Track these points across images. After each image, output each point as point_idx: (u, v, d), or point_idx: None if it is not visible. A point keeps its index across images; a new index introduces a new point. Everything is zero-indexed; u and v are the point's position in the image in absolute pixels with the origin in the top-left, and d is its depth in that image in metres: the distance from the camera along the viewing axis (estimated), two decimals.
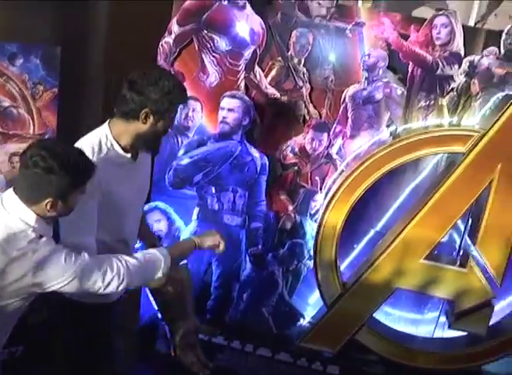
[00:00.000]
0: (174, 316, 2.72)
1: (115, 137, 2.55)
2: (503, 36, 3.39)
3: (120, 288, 2.37)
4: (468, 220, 3.53)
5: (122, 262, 2.38)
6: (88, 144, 2.51)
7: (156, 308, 2.90)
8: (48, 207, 2.21)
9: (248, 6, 3.49)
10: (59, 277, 2.24)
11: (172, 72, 3.59)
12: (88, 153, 2.40)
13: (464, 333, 3.65)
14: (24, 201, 2.21)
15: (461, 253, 3.58)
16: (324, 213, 3.53)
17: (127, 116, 2.51)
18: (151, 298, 2.88)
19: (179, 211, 3.78)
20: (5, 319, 2.38)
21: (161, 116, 2.52)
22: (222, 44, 3.55)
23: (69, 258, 2.25)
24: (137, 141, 2.55)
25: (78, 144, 2.50)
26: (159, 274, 2.45)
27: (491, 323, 3.55)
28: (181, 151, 3.69)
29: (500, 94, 3.41)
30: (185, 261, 2.85)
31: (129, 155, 2.58)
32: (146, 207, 3.70)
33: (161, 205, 3.76)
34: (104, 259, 2.37)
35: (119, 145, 2.55)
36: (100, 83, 3.76)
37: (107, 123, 2.59)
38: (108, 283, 2.34)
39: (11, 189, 2.26)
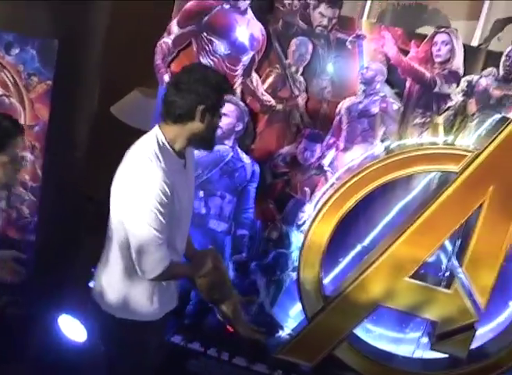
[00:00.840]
0: (222, 296, 2.75)
1: (170, 142, 2.49)
2: (503, 57, 3.37)
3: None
4: (456, 241, 3.48)
5: None
6: (149, 149, 2.45)
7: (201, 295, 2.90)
8: None
9: (249, 11, 3.47)
10: None
11: (169, 73, 3.59)
12: (151, 159, 2.40)
13: (445, 356, 3.57)
14: None
15: (447, 274, 3.52)
16: (311, 225, 3.48)
17: (182, 119, 2.45)
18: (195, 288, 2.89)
19: None
20: None
21: (214, 110, 2.48)
22: (221, 47, 3.52)
23: None
24: (194, 141, 2.52)
25: (133, 152, 2.50)
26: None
27: (473, 347, 3.48)
28: None
29: (497, 116, 3.38)
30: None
31: (183, 161, 2.57)
32: None
33: None
34: None
35: (174, 151, 2.51)
36: (96, 79, 3.74)
37: (157, 128, 2.52)
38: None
39: None
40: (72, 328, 3.36)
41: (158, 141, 2.47)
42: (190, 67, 2.51)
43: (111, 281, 2.66)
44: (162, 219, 2.39)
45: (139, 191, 2.38)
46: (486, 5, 3.79)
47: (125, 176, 2.46)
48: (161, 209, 2.38)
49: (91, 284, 3.37)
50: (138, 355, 2.74)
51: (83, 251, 3.84)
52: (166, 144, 2.47)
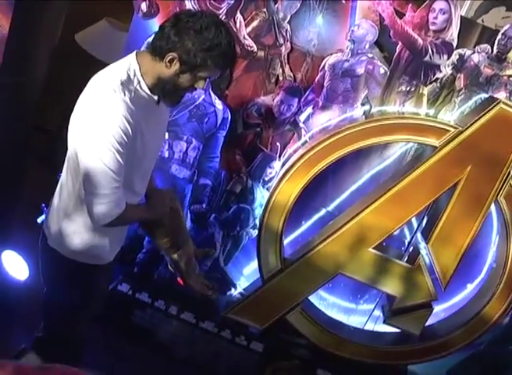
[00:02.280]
0: (176, 243, 2.54)
1: (143, 74, 2.22)
2: (499, 35, 3.27)
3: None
4: (423, 217, 3.41)
5: None
6: (115, 78, 2.18)
7: (153, 240, 2.69)
8: None
9: None
10: None
11: (147, 1, 3.28)
12: (115, 89, 2.14)
13: (395, 331, 3.54)
14: None
15: (410, 250, 3.46)
16: (278, 183, 3.28)
17: (154, 52, 2.19)
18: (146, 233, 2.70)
19: None
20: None
21: (188, 69, 2.19)
22: None
23: None
24: (157, 86, 2.24)
25: (101, 77, 2.23)
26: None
27: (426, 324, 3.45)
28: None
29: (483, 95, 3.29)
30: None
31: (155, 97, 2.28)
32: None
33: None
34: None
35: (146, 84, 2.23)
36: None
37: (134, 55, 2.26)
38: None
39: None
40: (15, 265, 3.09)
41: (129, 70, 2.22)
42: (204, 15, 2.18)
43: (62, 216, 2.39)
44: (120, 160, 2.15)
45: (97, 126, 2.13)
46: None
47: (84, 107, 2.19)
48: (120, 149, 2.13)
49: (39, 220, 3.12)
50: (80, 298, 2.52)
51: (33, 185, 3.53)
52: (139, 74, 2.22)
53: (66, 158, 2.34)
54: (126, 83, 2.17)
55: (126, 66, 2.23)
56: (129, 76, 2.20)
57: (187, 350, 3.58)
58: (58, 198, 2.45)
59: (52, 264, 2.50)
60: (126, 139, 2.12)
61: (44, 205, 3.15)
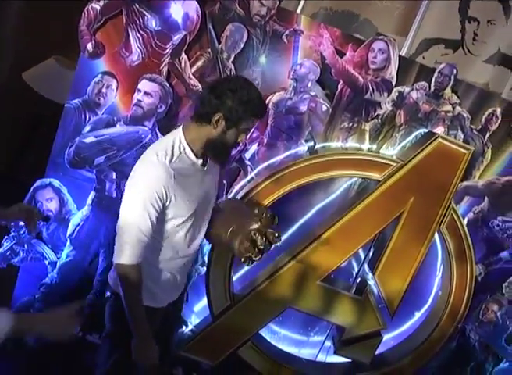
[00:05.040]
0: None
1: (189, 142, 2.53)
2: (435, 74, 3.43)
3: None
4: (370, 249, 3.50)
5: None
6: (161, 146, 2.51)
7: None
8: None
9: None
10: None
11: (93, 41, 3.32)
12: (157, 154, 2.45)
13: (347, 360, 3.59)
14: None
15: (358, 281, 3.53)
16: None
17: (201, 119, 2.49)
18: None
19: (74, 192, 3.47)
20: None
21: (233, 124, 2.49)
22: (152, 22, 3.29)
23: None
24: (206, 148, 2.54)
25: (152, 148, 2.54)
26: None
27: (375, 353, 3.52)
28: (86, 128, 3.36)
29: (423, 130, 3.44)
30: None
31: (200, 161, 2.58)
32: (38, 183, 3.38)
33: (55, 182, 3.43)
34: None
35: (191, 150, 2.53)
36: (12, 41, 3.37)
37: (180, 128, 2.58)
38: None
39: None
40: None
41: (174, 139, 2.52)
42: (235, 77, 2.76)
43: None
44: (147, 217, 2.42)
45: (136, 183, 2.46)
46: (416, 23, 3.84)
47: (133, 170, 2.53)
48: (151, 209, 2.42)
49: None
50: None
51: None
52: (184, 142, 2.52)
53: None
54: (170, 150, 2.48)
55: (173, 136, 2.55)
56: (173, 144, 2.51)
57: None
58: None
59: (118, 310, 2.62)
60: (159, 201, 2.43)
61: None
